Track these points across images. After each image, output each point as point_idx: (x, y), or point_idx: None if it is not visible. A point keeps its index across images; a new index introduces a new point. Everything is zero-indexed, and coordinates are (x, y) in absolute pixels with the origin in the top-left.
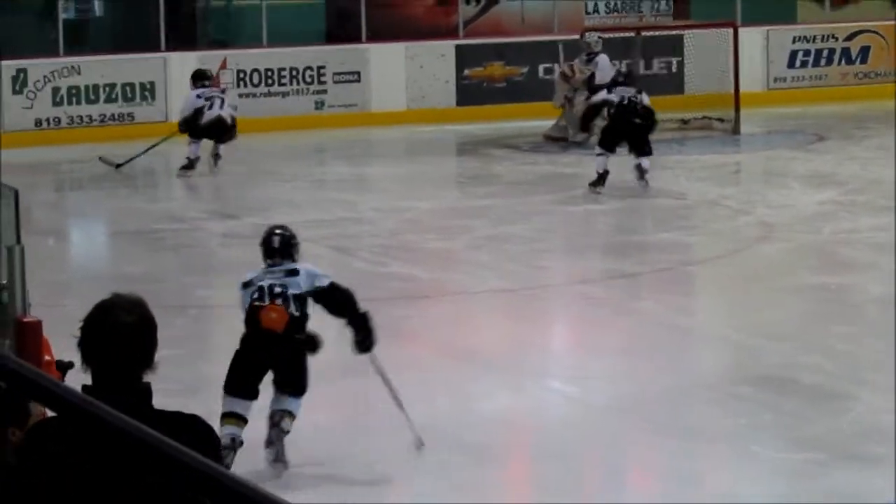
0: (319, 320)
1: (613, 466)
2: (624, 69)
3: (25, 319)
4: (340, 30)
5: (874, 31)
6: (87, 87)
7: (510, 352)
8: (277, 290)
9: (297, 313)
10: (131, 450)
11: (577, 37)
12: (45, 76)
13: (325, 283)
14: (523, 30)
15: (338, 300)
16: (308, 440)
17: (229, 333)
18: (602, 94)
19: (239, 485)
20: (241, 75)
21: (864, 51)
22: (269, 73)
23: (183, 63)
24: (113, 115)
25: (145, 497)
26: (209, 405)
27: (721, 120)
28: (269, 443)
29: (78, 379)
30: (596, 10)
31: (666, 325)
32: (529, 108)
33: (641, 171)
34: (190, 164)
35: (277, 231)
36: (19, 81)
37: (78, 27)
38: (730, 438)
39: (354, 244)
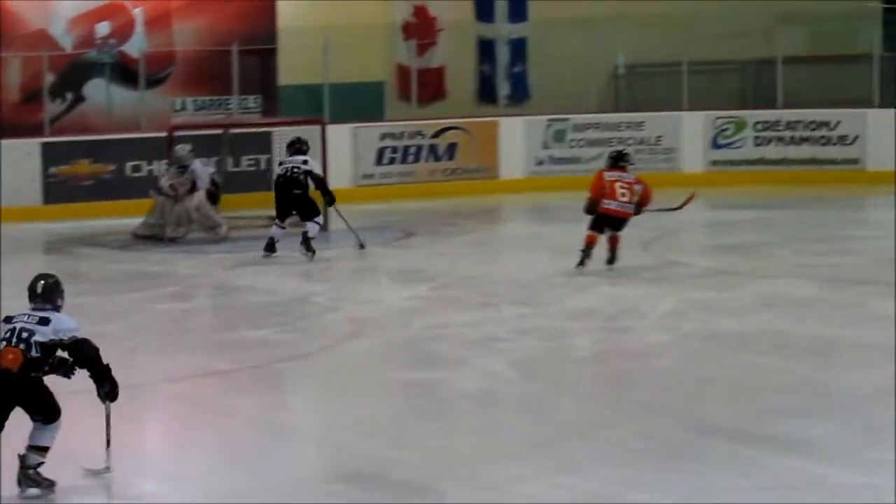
0: None
1: None
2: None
3: None
4: None
5: (460, 128)
6: None
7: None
8: (24, 335)
9: (37, 354)
10: None
11: (164, 134)
12: None
13: (66, 336)
14: (110, 127)
15: (79, 353)
16: None
17: None
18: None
19: None
20: None
21: (452, 147)
22: None
23: None
24: None
25: None
26: None
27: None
28: (19, 482)
29: None
30: (184, 108)
31: (259, 422)
32: (118, 205)
33: (306, 238)
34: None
35: (42, 278)
36: None
37: None
38: None
39: None
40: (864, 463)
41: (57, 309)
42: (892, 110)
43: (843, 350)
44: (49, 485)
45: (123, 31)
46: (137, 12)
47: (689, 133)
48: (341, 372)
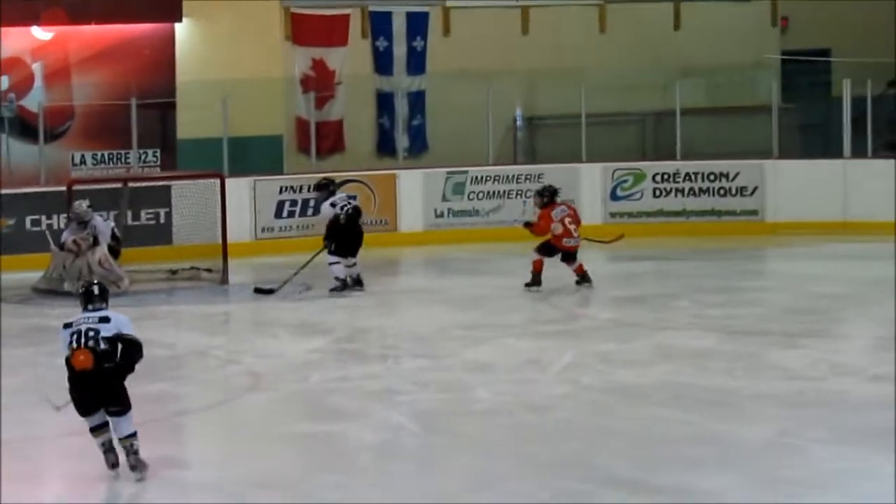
0: None
1: None
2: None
3: None
4: None
5: (360, 181)
6: None
7: None
8: (91, 333)
9: (106, 347)
10: None
11: (64, 188)
12: None
13: (126, 332)
14: (10, 181)
15: (132, 352)
16: None
17: None
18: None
19: None
20: None
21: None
22: None
23: None
24: None
25: None
26: None
27: (209, 270)
28: (133, 467)
29: None
30: (83, 162)
31: (157, 477)
32: (17, 259)
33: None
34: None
35: (91, 283)
36: None
37: None
38: None
39: None
40: None
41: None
42: (791, 161)
43: (741, 401)
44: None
45: (22, 85)
46: (36, 66)
47: (588, 185)
48: (240, 425)
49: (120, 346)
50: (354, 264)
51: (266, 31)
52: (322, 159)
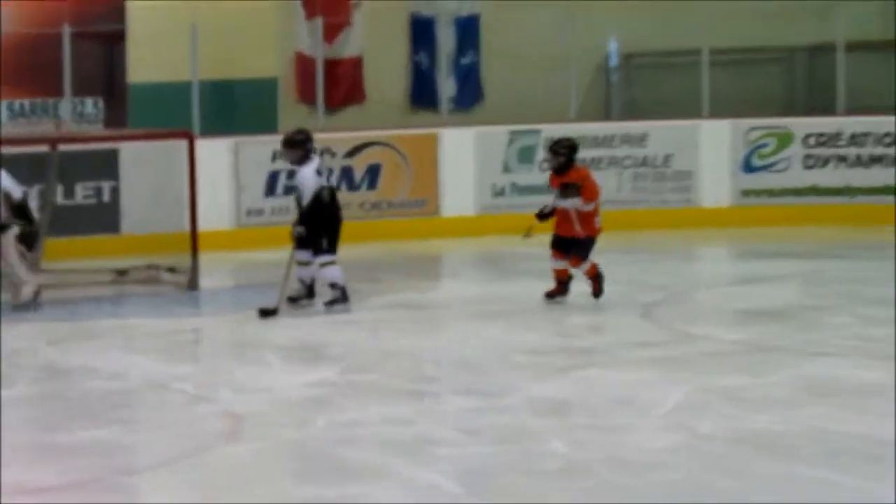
0: None
1: None
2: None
3: None
4: None
5: (386, 144)
6: None
7: None
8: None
9: None
10: None
11: None
12: None
13: None
14: None
15: None
16: None
17: None
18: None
19: None
20: None
21: (373, 171)
22: None
23: None
24: None
25: None
26: None
27: (173, 270)
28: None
29: None
30: None
31: None
32: None
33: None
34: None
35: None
36: None
37: None
38: None
39: None
40: None
41: None
42: None
43: None
44: None
45: None
46: None
47: (712, 150)
48: (213, 488)
49: None
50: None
51: None
52: (333, 113)
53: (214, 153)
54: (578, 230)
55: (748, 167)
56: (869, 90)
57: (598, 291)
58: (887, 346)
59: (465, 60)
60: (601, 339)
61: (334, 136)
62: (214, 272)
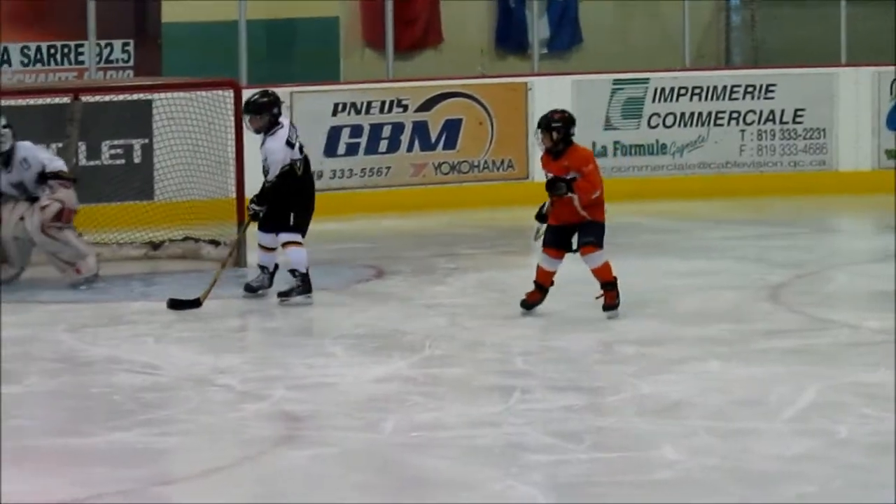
0: None
1: None
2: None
3: None
4: None
5: (466, 95)
6: None
7: None
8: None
9: None
10: None
11: None
12: None
13: None
14: None
15: None
16: None
17: None
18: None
19: None
20: None
21: (451, 128)
22: None
23: None
24: None
25: None
26: None
27: (215, 243)
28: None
29: None
30: (6, 60)
31: None
32: None
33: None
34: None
35: None
36: None
37: None
38: None
39: None
40: None
41: None
42: None
43: None
44: None
45: None
46: None
47: (850, 102)
48: (267, 501)
49: None
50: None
51: None
52: (404, 58)
53: None
54: (584, 214)
55: (894, 124)
56: None
57: (611, 304)
58: None
59: None
60: (721, 327)
61: (405, 85)
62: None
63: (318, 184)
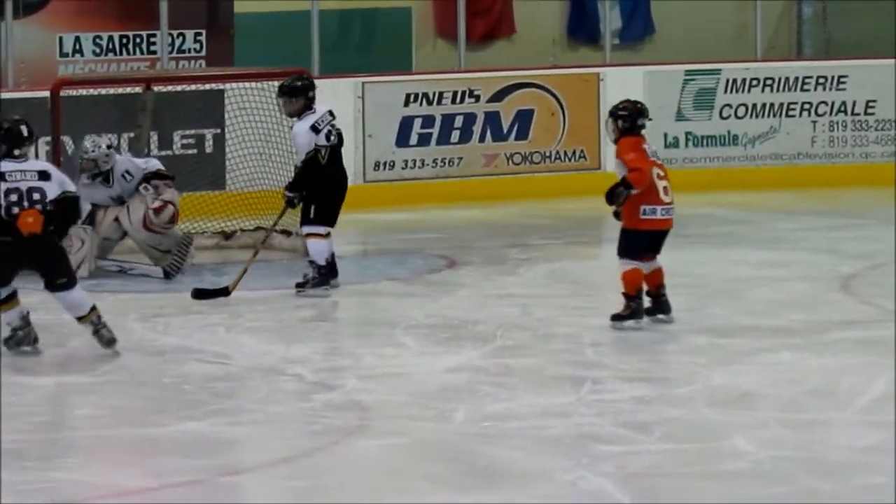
0: None
1: None
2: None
3: None
4: None
5: (538, 85)
6: None
7: None
8: (36, 195)
9: (51, 209)
10: None
11: (46, 93)
12: None
13: (70, 190)
14: None
15: (73, 212)
16: None
17: None
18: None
19: None
20: None
21: (523, 118)
22: None
23: None
24: None
25: None
26: None
27: (286, 233)
28: (109, 342)
29: None
30: (78, 51)
31: None
32: None
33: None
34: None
35: (22, 120)
36: None
37: None
38: None
39: None
40: None
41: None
42: None
43: None
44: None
45: None
46: None
47: None
48: (333, 493)
49: (64, 207)
50: (328, 235)
51: None
52: (477, 49)
53: (336, 96)
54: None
55: None
56: None
57: (618, 314)
58: None
59: None
60: (793, 318)
61: (477, 75)
62: (336, 236)
63: (389, 174)
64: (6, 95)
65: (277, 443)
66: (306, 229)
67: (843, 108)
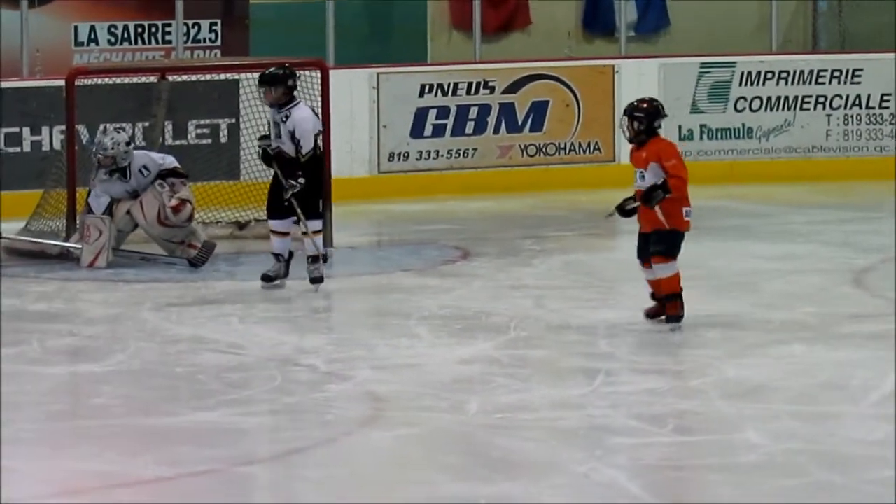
0: None
1: None
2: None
3: None
4: None
5: (553, 77)
6: None
7: None
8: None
9: None
10: None
11: (61, 83)
12: None
13: None
14: None
15: None
16: None
17: None
18: None
19: None
20: None
21: (538, 110)
22: None
23: None
24: None
25: None
26: None
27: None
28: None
29: None
30: (93, 40)
31: None
32: None
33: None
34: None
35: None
36: None
37: None
38: None
39: None
40: None
41: None
42: None
43: None
44: None
45: None
46: None
47: None
48: (352, 482)
49: None
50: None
51: None
52: (492, 40)
53: (352, 86)
54: (662, 220)
55: None
56: None
57: (675, 314)
58: None
59: None
60: (806, 311)
61: (493, 67)
62: (350, 226)
63: (404, 164)
64: (22, 84)
65: (291, 433)
66: (316, 224)
67: (857, 102)
